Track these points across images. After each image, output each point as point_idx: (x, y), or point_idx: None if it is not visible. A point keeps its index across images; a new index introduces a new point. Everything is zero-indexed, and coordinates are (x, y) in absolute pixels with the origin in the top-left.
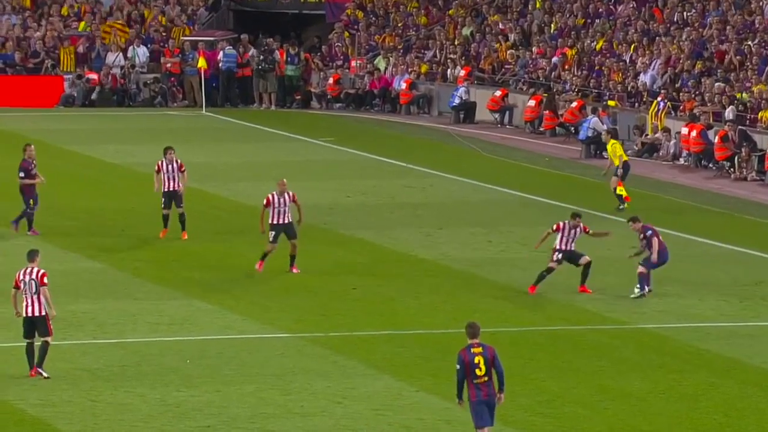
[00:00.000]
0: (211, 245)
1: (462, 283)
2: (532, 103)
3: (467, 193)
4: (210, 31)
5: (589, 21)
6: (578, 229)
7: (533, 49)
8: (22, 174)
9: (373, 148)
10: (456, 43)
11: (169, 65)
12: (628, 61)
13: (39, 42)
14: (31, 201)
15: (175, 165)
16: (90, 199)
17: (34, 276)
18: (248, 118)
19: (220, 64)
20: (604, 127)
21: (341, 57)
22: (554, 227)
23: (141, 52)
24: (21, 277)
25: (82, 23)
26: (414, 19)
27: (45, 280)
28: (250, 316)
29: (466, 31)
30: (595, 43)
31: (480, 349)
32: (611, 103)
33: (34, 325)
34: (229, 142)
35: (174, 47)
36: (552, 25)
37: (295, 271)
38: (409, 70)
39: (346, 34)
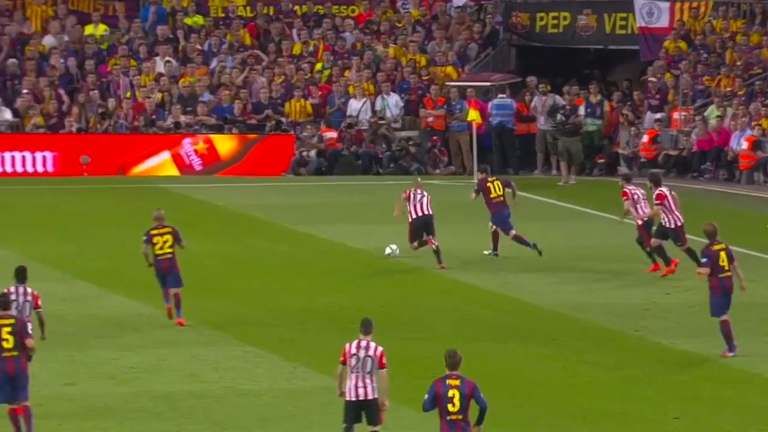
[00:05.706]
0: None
1: None
2: None
3: None
4: (485, 74)
5: None
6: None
7: None
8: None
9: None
10: None
11: (430, 119)
12: None
13: (263, 90)
14: None
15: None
16: (328, 293)
17: (371, 353)
18: (531, 188)
19: (490, 118)
20: None
21: (659, 107)
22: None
23: (393, 102)
24: (353, 351)
25: (319, 64)
26: (761, 54)
27: (384, 360)
28: None
29: None
30: None
31: (457, 382)
32: None
33: (362, 410)
34: None
35: (438, 96)
36: None
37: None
38: (753, 124)
39: (668, 75)
